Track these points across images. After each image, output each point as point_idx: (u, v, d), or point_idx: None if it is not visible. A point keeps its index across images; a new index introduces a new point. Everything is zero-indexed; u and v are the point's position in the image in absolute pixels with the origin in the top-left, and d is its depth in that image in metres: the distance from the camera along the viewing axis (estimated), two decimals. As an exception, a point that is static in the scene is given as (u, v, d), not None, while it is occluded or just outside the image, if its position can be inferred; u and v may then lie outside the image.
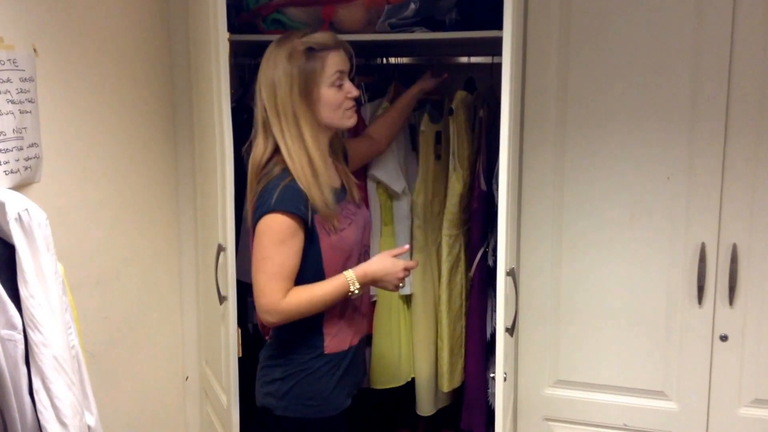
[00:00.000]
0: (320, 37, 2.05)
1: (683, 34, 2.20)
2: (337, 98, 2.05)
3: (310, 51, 2.02)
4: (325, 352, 2.10)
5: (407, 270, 2.08)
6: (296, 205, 1.96)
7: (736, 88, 2.17)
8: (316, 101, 2.04)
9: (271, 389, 2.12)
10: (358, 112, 2.67)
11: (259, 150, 2.08)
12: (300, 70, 2.01)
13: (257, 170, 2.07)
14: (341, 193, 2.15)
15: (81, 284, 2.21)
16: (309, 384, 2.09)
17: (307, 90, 2.01)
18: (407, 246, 2.21)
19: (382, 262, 2.05)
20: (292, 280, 2.00)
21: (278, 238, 1.96)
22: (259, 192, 2.02)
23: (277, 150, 2.06)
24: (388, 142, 2.56)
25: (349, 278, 2.00)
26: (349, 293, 2.01)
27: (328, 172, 2.07)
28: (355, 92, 2.09)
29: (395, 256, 2.08)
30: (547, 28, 2.31)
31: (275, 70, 2.02)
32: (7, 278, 1.55)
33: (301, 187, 1.98)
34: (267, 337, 2.26)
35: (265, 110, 2.05)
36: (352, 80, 2.11)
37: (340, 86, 2.06)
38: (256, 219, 1.99)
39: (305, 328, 2.08)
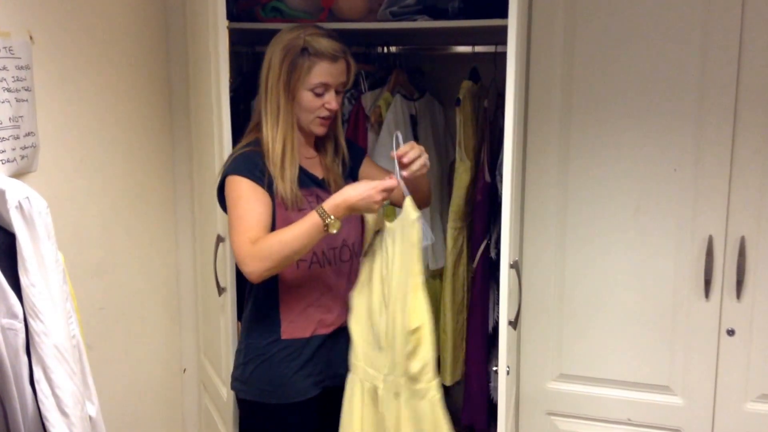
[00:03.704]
0: (322, 43, 2.04)
1: (691, 20, 2.17)
2: (312, 104, 2.08)
3: (305, 51, 2.03)
4: (282, 338, 2.11)
5: (386, 191, 1.93)
6: (249, 170, 2.02)
7: (746, 76, 2.14)
8: (294, 99, 2.07)
9: (237, 374, 2.18)
10: (358, 101, 2.66)
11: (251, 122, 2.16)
12: (288, 65, 2.04)
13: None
14: (316, 182, 2.15)
15: (77, 275, 2.17)
16: (266, 369, 2.11)
17: (289, 85, 2.05)
18: (395, 179, 1.96)
19: (354, 187, 1.94)
20: (260, 228, 1.97)
21: (235, 195, 2.01)
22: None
23: (257, 125, 2.13)
24: None
25: (320, 212, 1.91)
26: (324, 227, 1.91)
27: (295, 158, 2.08)
28: (333, 105, 2.09)
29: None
30: (552, 16, 2.28)
31: (273, 54, 2.07)
32: (7, 267, 1.54)
33: (267, 163, 2.04)
34: None
35: (260, 84, 2.12)
36: (347, 91, 2.09)
37: (320, 95, 2.07)
38: (219, 188, 2.08)
39: (264, 312, 2.11)
